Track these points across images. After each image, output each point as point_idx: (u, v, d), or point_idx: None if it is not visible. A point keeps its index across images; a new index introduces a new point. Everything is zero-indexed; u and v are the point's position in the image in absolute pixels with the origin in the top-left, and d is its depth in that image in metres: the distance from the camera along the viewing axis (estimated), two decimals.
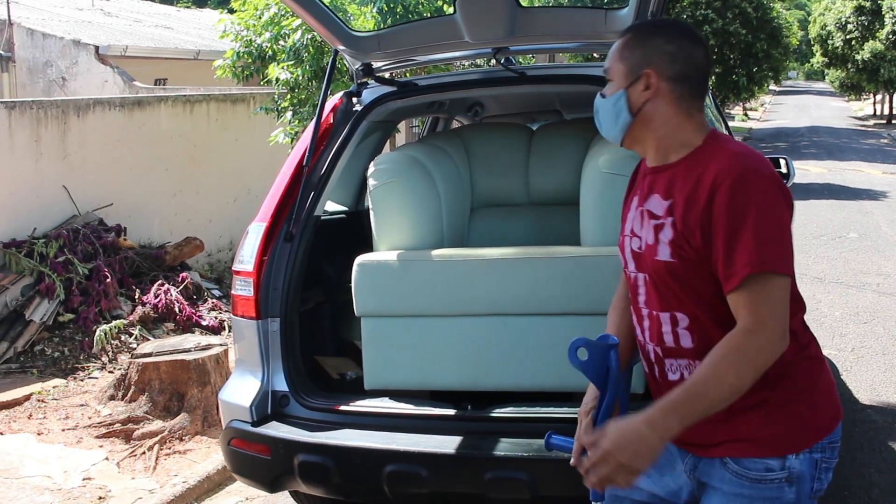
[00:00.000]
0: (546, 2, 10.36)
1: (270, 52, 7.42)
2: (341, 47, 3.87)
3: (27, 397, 5.55)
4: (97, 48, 13.70)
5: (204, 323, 6.90)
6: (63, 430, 5.04)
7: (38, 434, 5.02)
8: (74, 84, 13.63)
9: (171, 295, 6.93)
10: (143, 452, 4.71)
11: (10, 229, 6.88)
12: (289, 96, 7.22)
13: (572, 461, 2.09)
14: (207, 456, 4.69)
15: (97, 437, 4.93)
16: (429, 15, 7.46)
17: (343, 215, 4.44)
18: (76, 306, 6.55)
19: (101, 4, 19.27)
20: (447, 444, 3.04)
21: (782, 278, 1.81)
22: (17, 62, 13.99)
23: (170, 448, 4.78)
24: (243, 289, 3.48)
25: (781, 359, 1.87)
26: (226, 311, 7.12)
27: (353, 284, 3.46)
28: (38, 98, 9.88)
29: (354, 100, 3.94)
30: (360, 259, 3.47)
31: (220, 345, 5.46)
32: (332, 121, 3.86)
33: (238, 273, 3.51)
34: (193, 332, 6.67)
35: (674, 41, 1.98)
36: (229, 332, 6.62)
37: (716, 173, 1.85)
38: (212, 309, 7.19)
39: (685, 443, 2.02)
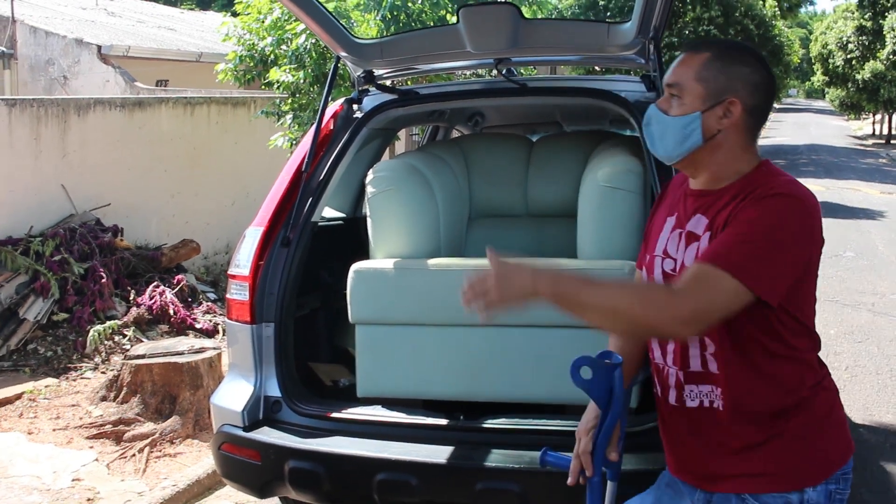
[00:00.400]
0: (548, 14, 10.39)
1: (272, 57, 7.42)
2: (343, 54, 3.87)
3: (18, 396, 5.53)
4: (99, 48, 13.69)
5: (198, 326, 6.88)
6: (54, 430, 5.02)
7: (29, 433, 5.00)
8: (76, 83, 13.62)
9: (166, 297, 6.91)
10: (134, 454, 4.69)
11: (6, 226, 6.87)
12: (290, 101, 7.22)
13: (570, 480, 2.08)
14: (198, 459, 4.67)
15: (88, 437, 4.91)
16: (432, 24, 7.47)
17: (340, 222, 4.43)
18: (71, 306, 6.54)
19: (105, 4, 19.27)
20: (439, 453, 3.04)
21: (738, 286, 1.76)
22: (19, 59, 13.98)
23: (160, 451, 4.76)
24: (238, 293, 3.47)
25: (798, 392, 1.89)
26: (220, 315, 7.10)
27: (348, 291, 3.45)
28: (39, 96, 9.88)
29: (355, 106, 3.94)
30: (356, 266, 3.47)
31: (214, 348, 5.45)
32: (332, 127, 3.86)
33: (234, 277, 3.51)
34: (187, 335, 6.65)
35: (758, 72, 1.94)
36: (223, 335, 6.61)
37: (759, 190, 1.86)
38: (206, 312, 7.17)
39: (693, 473, 2.01)
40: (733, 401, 1.91)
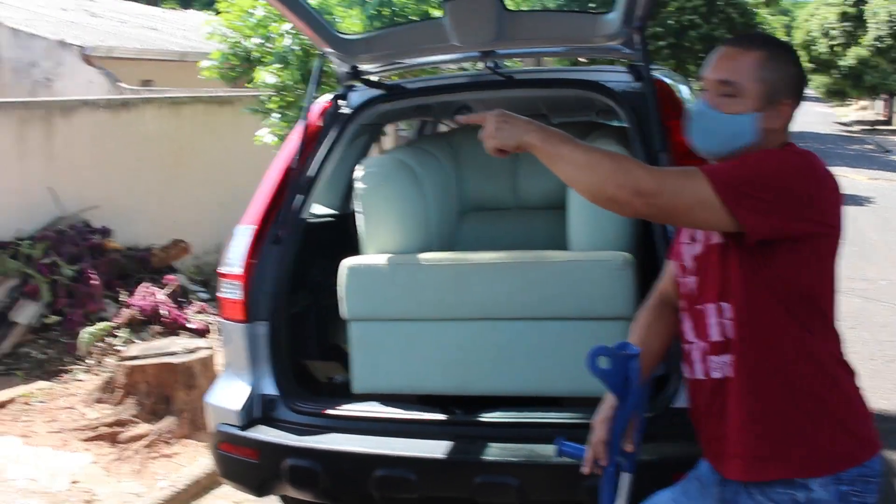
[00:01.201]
0: (533, 6, 10.39)
1: (257, 55, 7.39)
2: (328, 50, 3.86)
3: (12, 400, 5.50)
4: (82, 49, 13.62)
5: (190, 326, 6.86)
6: (49, 433, 5.01)
7: (24, 437, 4.98)
8: (59, 84, 13.53)
9: (158, 297, 6.89)
10: (130, 456, 4.68)
11: None
12: (276, 98, 7.19)
13: (585, 469, 2.10)
14: (194, 459, 4.67)
15: (83, 440, 4.89)
16: (416, 18, 7.45)
17: (329, 218, 4.43)
18: (62, 308, 6.51)
19: (86, 5, 19.15)
20: (436, 448, 3.05)
21: (711, 195, 1.79)
22: (1, 62, 13.89)
23: (156, 451, 4.75)
24: (231, 292, 3.47)
25: (806, 379, 1.91)
26: (213, 314, 7.08)
27: (341, 288, 3.46)
28: (23, 98, 9.82)
29: (342, 102, 3.93)
30: (349, 262, 3.47)
31: (207, 348, 5.44)
32: (319, 123, 3.85)
33: (225, 276, 3.50)
34: (179, 335, 6.63)
35: (800, 72, 1.99)
36: (216, 334, 6.60)
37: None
38: (198, 311, 7.15)
39: (710, 452, 2.04)
40: (744, 370, 1.93)
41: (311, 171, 3.67)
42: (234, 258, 3.49)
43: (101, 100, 8.64)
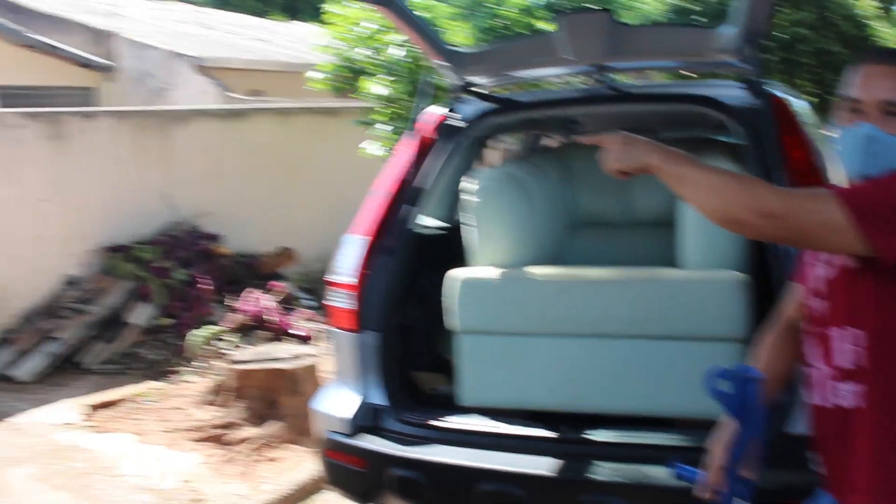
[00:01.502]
0: (641, 21, 10.30)
1: (364, 66, 7.50)
2: (440, 62, 3.88)
3: (125, 399, 5.71)
4: (195, 59, 14.05)
5: (296, 332, 7.00)
6: (160, 432, 5.17)
7: (136, 434, 5.15)
8: (174, 94, 13.98)
9: (265, 303, 7.05)
10: (236, 458, 4.79)
11: (112, 234, 7.12)
12: (385, 110, 7.28)
13: (703, 493, 2.06)
14: (298, 465, 4.74)
15: (192, 440, 5.04)
16: (523, 31, 7.46)
17: (436, 230, 4.45)
18: (174, 311, 6.72)
19: (200, 18, 19.78)
20: (542, 464, 3.02)
21: (839, 215, 1.72)
22: (119, 72, 14.44)
23: (262, 455, 4.85)
24: (342, 301, 3.51)
25: None
26: (319, 322, 7.20)
27: (452, 300, 3.46)
28: (140, 107, 10.18)
29: (454, 114, 3.95)
30: (462, 275, 3.48)
31: (312, 354, 5.54)
32: (432, 135, 3.88)
33: (336, 285, 3.54)
34: (283, 341, 6.76)
35: None
36: (320, 341, 6.70)
37: None
38: (305, 319, 7.29)
39: (834, 482, 1.96)
40: (875, 399, 1.85)
41: (422, 183, 3.70)
42: (346, 267, 3.53)
43: (214, 109, 8.90)
